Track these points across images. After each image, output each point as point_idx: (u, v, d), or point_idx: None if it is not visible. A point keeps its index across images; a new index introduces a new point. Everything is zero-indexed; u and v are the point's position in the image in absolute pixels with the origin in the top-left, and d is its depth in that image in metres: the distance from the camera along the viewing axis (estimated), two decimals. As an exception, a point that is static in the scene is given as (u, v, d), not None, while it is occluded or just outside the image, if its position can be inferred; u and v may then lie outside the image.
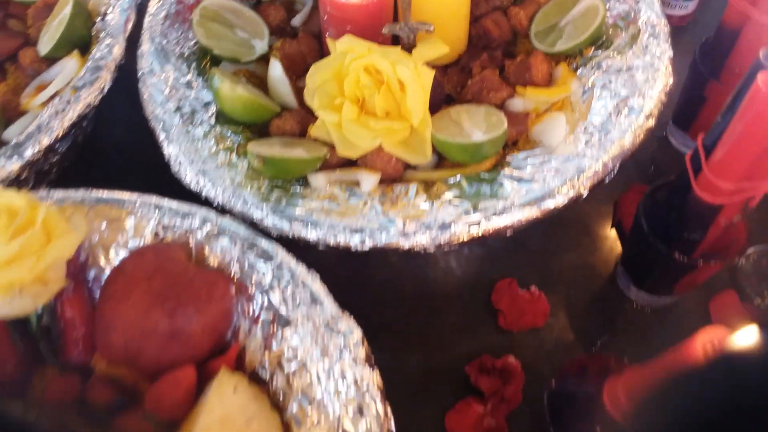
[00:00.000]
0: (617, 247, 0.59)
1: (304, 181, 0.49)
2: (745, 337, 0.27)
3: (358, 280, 0.58)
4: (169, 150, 0.50)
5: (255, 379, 0.42)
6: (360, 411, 0.37)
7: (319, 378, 0.39)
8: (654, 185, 0.49)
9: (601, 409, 0.36)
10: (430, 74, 0.47)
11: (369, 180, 0.48)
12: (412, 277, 0.59)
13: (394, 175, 0.50)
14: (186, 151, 0.49)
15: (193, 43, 0.57)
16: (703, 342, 0.28)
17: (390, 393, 0.45)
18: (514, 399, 0.50)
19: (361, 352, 0.39)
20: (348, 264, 0.58)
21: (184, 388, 0.40)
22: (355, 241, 0.45)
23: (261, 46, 0.57)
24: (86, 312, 0.44)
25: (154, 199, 0.46)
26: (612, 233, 0.60)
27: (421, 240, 0.45)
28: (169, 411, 0.39)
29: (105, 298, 0.41)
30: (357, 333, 0.40)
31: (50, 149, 0.51)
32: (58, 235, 0.40)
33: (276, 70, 0.54)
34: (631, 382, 0.34)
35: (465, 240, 0.45)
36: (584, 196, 0.46)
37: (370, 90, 0.46)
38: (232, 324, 0.43)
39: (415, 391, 0.52)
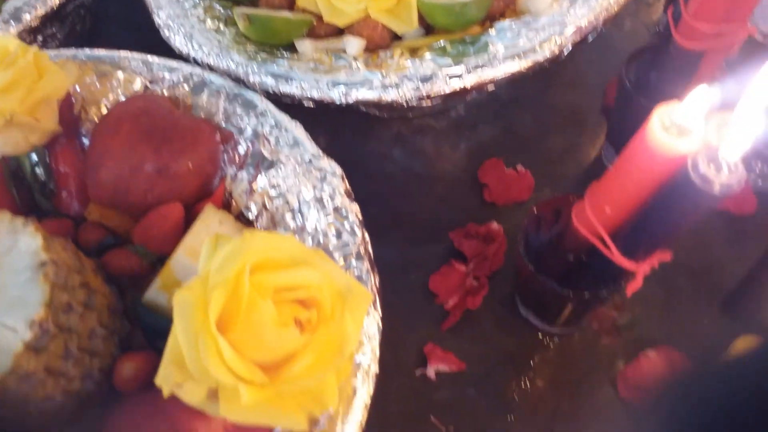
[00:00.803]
0: (605, 129, 0.60)
1: (292, 49, 0.50)
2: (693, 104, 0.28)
3: (348, 158, 0.59)
4: (160, 16, 0.50)
5: (241, 220, 0.43)
6: (339, 235, 0.39)
7: (301, 209, 0.40)
8: (636, 49, 0.49)
9: (572, 233, 0.37)
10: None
11: (354, 43, 0.49)
12: (403, 157, 0.60)
13: (381, 43, 0.50)
14: (175, 17, 0.50)
15: None
16: (659, 117, 0.29)
17: (377, 261, 0.46)
18: (496, 260, 0.51)
19: (342, 185, 0.40)
20: (339, 145, 0.58)
21: (172, 222, 0.41)
22: (337, 94, 0.45)
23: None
24: (79, 165, 0.45)
25: (143, 56, 0.47)
26: (601, 118, 0.60)
27: (403, 93, 0.45)
28: (157, 244, 0.41)
29: (94, 136, 0.43)
30: (338, 169, 0.41)
31: (49, 18, 0.53)
32: (49, 74, 0.41)
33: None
34: (595, 197, 0.35)
35: (448, 93, 0.46)
36: (566, 51, 0.46)
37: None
38: (218, 169, 0.44)
39: (402, 259, 0.53)
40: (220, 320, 0.30)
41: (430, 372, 0.48)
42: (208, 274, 0.30)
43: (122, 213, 0.44)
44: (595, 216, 0.35)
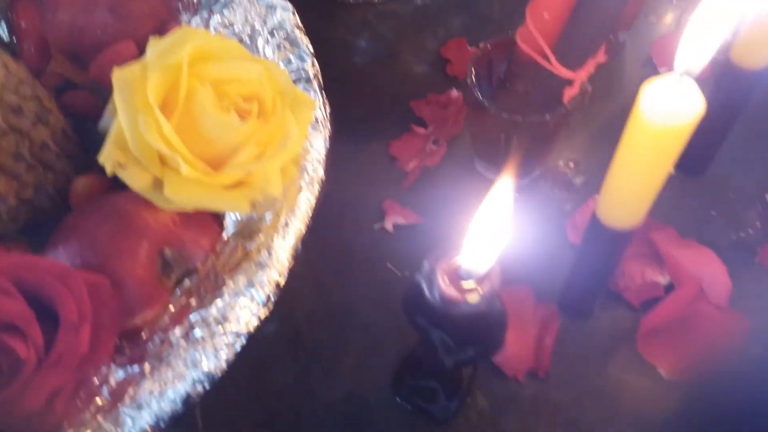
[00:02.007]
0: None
1: None
2: None
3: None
4: None
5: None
6: (289, 62, 0.39)
7: (255, 44, 0.41)
8: None
9: (517, 58, 0.38)
10: None
11: None
12: (367, 41, 0.60)
13: None
14: None
15: None
16: None
17: (338, 133, 0.47)
18: (456, 124, 0.52)
19: (293, 19, 0.41)
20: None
21: (125, 59, 0.41)
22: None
23: None
24: (39, 20, 0.46)
25: None
26: None
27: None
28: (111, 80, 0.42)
29: (49, -23, 0.43)
30: (289, 5, 0.42)
31: None
32: None
33: None
34: (535, 6, 0.36)
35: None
36: None
37: None
38: (172, 13, 0.44)
39: (364, 130, 0.54)
40: (160, 108, 0.31)
41: (388, 225, 0.49)
42: (148, 61, 0.31)
43: (82, 68, 0.45)
44: (535, 26, 0.35)
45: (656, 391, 0.42)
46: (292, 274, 0.48)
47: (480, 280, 0.26)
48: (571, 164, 0.51)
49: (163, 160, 0.32)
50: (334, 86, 0.42)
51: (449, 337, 0.32)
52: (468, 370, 0.42)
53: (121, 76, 0.31)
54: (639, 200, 0.31)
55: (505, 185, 0.25)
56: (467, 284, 0.26)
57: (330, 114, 0.39)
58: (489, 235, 0.26)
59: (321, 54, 0.46)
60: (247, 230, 0.35)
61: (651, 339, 0.42)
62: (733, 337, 0.42)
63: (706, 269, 0.43)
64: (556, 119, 0.40)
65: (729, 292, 0.44)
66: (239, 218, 0.36)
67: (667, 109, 0.26)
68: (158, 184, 0.32)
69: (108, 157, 0.31)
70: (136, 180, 0.31)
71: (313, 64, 0.40)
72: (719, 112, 0.44)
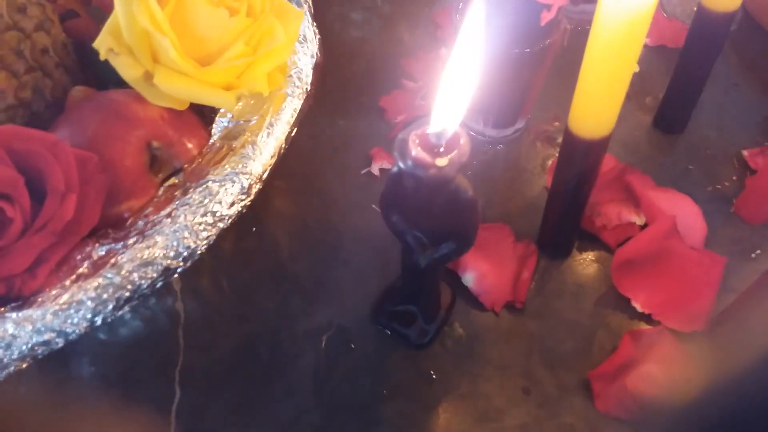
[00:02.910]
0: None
1: None
2: None
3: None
4: None
5: None
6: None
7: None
8: None
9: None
10: None
11: None
12: (362, 14, 0.63)
13: None
14: None
15: None
16: None
17: (330, 87, 0.48)
18: (443, 79, 0.54)
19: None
20: None
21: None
22: None
23: None
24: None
25: None
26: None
27: None
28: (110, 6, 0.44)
29: None
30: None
31: None
32: None
33: None
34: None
35: None
36: None
37: None
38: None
39: (355, 88, 0.56)
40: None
41: (375, 169, 0.50)
42: (147, -41, 0.33)
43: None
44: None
45: (631, 325, 0.42)
46: (277, 211, 0.50)
47: (449, 147, 0.27)
48: (556, 123, 0.53)
49: (154, 56, 0.34)
50: (329, 51, 0.44)
51: (422, 234, 0.33)
52: (446, 298, 0.43)
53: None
54: (608, 103, 0.32)
55: (471, 31, 0.26)
56: (437, 148, 0.27)
57: (321, 58, 0.41)
58: (454, 93, 0.27)
59: (318, 25, 0.49)
60: (234, 133, 0.36)
61: (626, 272, 0.43)
62: (708, 274, 0.43)
63: (682, 210, 0.44)
64: (537, 52, 0.42)
65: (704, 235, 0.45)
66: (226, 124, 0.37)
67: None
68: (149, 78, 0.34)
69: (102, 43, 0.33)
70: (128, 69, 0.33)
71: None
72: (696, 59, 0.46)
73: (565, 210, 0.41)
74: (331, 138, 0.53)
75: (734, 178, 0.49)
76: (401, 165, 0.28)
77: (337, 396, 0.40)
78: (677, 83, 0.48)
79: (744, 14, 0.60)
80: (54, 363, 0.41)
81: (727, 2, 0.41)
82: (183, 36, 0.33)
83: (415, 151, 0.27)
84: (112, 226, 0.34)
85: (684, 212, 0.44)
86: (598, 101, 0.33)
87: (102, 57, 0.33)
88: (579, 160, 0.37)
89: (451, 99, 0.27)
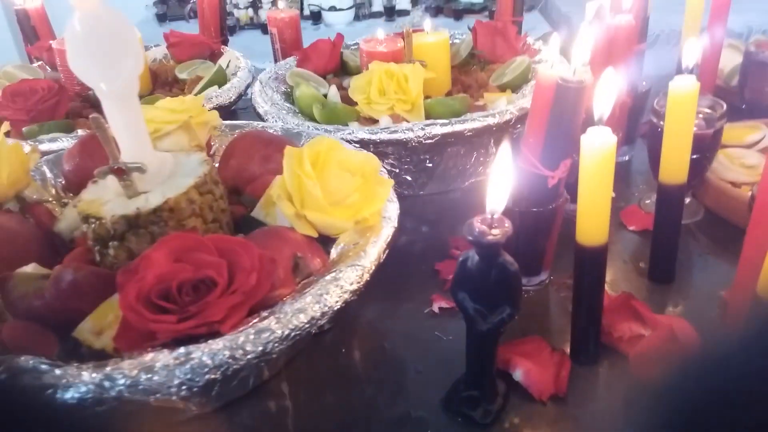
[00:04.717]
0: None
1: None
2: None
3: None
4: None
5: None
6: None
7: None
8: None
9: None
10: (421, 70, 0.82)
11: (385, 120, 0.80)
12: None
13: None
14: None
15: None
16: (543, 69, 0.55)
17: (399, 251, 0.68)
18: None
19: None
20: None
21: (268, 184, 0.66)
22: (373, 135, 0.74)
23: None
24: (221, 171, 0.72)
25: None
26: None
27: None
28: (258, 195, 0.65)
29: (231, 143, 0.70)
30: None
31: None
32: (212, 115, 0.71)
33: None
34: (525, 137, 0.60)
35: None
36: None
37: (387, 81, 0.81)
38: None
39: (415, 257, 0.74)
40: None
41: (435, 308, 0.65)
42: (303, 148, 0.55)
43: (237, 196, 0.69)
44: (527, 149, 0.59)
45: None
46: (360, 335, 0.64)
47: (498, 226, 0.44)
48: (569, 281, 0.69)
49: (303, 203, 0.53)
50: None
51: (482, 306, 0.48)
52: (501, 388, 0.54)
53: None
54: (599, 217, 0.50)
55: (504, 154, 0.45)
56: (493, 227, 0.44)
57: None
58: (499, 185, 0.45)
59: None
60: (343, 253, 0.53)
61: (640, 362, 0.55)
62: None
63: (676, 323, 0.58)
64: (548, 211, 0.60)
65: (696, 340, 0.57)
66: (339, 249, 0.55)
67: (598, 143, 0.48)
68: (299, 215, 0.53)
69: (273, 192, 0.52)
70: (286, 208, 0.52)
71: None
72: (664, 224, 0.64)
73: (588, 315, 0.55)
74: (397, 290, 0.69)
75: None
76: (469, 237, 0.44)
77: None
78: (657, 246, 0.66)
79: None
80: None
81: (677, 176, 0.61)
82: (323, 186, 0.53)
83: (478, 227, 0.44)
84: (268, 308, 0.49)
85: (678, 324, 0.58)
86: (593, 216, 0.50)
87: (274, 199, 0.52)
88: (588, 265, 0.52)
89: (498, 191, 0.45)
